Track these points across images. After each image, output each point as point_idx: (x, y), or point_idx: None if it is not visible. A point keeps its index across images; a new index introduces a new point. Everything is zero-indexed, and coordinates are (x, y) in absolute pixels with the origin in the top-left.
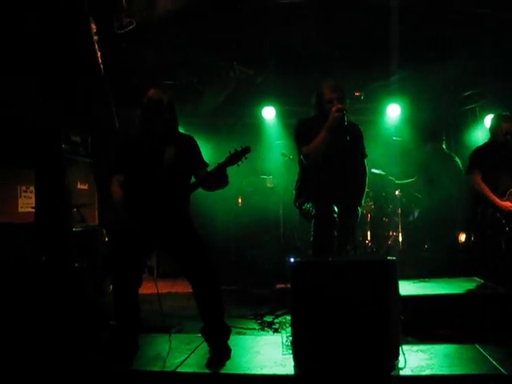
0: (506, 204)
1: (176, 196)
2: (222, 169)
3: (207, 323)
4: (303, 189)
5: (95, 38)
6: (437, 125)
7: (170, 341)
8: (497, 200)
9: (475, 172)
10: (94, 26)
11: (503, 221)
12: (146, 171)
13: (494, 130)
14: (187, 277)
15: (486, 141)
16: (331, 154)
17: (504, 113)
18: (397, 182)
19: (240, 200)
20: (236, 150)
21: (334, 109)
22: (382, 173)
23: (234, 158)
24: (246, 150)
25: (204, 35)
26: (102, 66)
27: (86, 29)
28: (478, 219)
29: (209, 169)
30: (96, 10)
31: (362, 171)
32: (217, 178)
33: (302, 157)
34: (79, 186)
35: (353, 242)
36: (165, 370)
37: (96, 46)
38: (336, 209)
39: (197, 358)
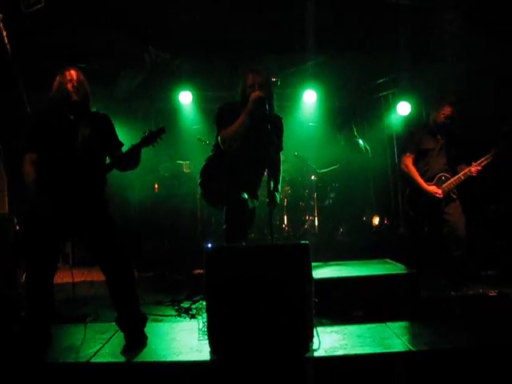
0: (431, 188)
1: (91, 176)
2: (136, 149)
3: (121, 312)
4: (215, 175)
5: None
6: (350, 111)
7: (85, 330)
8: (423, 184)
9: (407, 154)
10: None
11: (426, 205)
12: (59, 149)
13: (435, 111)
14: (99, 264)
15: (424, 123)
16: (249, 141)
17: (450, 96)
18: (319, 171)
19: (156, 185)
20: (151, 130)
21: (253, 94)
22: (304, 158)
23: (149, 139)
24: (161, 131)
25: (118, 17)
26: (9, 46)
27: None
28: (404, 201)
29: (124, 149)
30: None
31: (276, 161)
32: (130, 159)
33: (219, 140)
34: None
35: (270, 229)
36: (78, 360)
37: (1, 25)
38: (246, 196)
39: (112, 347)
